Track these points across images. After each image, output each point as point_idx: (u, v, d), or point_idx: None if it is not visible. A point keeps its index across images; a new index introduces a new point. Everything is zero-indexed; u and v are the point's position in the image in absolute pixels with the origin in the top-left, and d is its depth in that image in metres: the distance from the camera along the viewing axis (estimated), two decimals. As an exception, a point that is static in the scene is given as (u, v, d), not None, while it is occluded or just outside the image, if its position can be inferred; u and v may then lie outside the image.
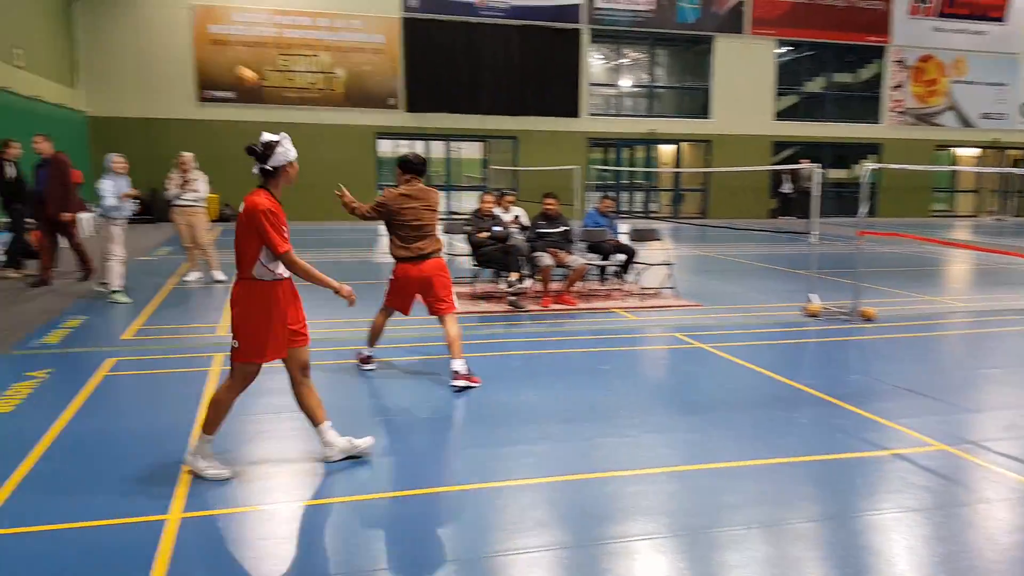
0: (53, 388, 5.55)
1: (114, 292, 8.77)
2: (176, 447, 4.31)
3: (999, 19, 26.79)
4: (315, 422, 4.20)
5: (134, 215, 9.46)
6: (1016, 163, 28.04)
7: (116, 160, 8.91)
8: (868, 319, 8.23)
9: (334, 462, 4.20)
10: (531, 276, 9.01)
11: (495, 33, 21.72)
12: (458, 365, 5.60)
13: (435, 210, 5.78)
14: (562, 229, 9.13)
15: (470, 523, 3.65)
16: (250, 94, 20.17)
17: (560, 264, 8.94)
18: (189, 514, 3.60)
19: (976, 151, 28.08)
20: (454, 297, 5.87)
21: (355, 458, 4.25)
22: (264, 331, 3.89)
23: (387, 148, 22.94)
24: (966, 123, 27.05)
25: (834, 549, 3.45)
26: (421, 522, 3.63)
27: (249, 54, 20.07)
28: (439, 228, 5.90)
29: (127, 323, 7.63)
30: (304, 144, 21.53)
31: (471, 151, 25.38)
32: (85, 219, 15.83)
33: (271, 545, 3.37)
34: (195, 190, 9.95)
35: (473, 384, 5.62)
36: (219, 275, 10.16)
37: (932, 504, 3.90)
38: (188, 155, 9.97)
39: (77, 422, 4.84)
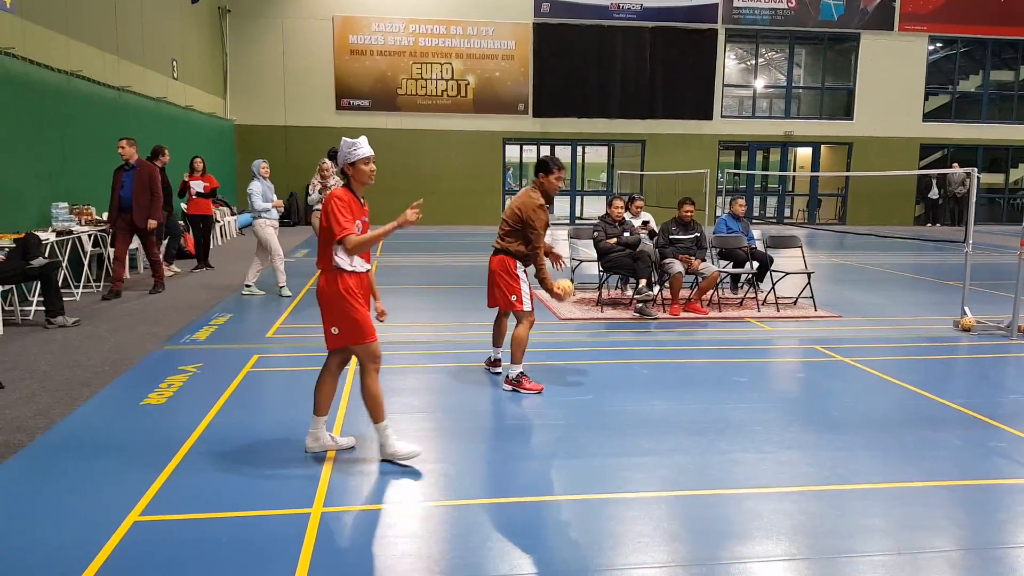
0: (203, 382, 5.93)
1: (247, 286, 9.57)
2: (319, 439, 4.52)
3: None
4: (376, 419, 4.31)
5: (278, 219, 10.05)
6: None
7: (263, 165, 9.53)
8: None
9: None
10: (660, 283, 8.87)
11: (627, 36, 21.56)
12: (511, 370, 5.72)
13: (513, 210, 5.78)
14: (694, 235, 8.94)
15: (600, 533, 3.62)
16: (385, 102, 20.95)
17: (691, 271, 8.75)
18: (330, 508, 3.77)
19: None
20: (525, 298, 5.78)
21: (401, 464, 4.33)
22: (359, 312, 4.16)
23: (513, 153, 23.26)
24: None
25: (995, 584, 3.20)
26: (549, 529, 3.65)
27: (386, 63, 20.86)
28: (523, 228, 5.74)
29: (271, 321, 8.11)
30: (432, 150, 22.56)
31: (596, 155, 25.29)
32: (231, 221, 16.97)
33: (405, 543, 3.48)
34: (334, 195, 10.44)
35: (529, 392, 5.62)
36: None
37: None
38: (328, 162, 10.48)
39: (225, 415, 5.16)
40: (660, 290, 8.88)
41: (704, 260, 8.87)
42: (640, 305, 8.47)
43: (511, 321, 6.02)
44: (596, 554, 3.38)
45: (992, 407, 5.47)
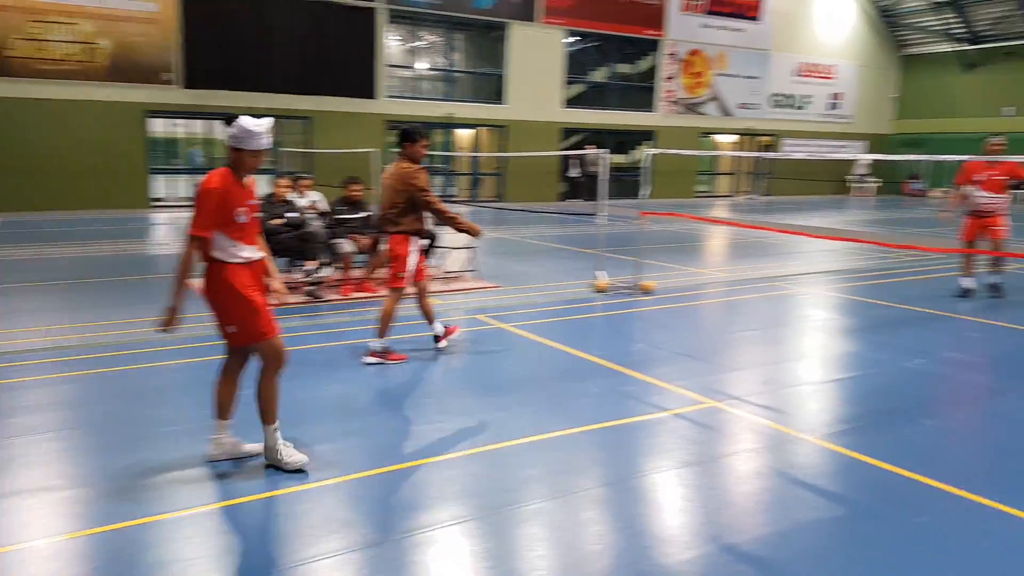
0: None
1: None
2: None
3: (755, 18, 29.79)
4: (266, 420, 4.07)
5: None
6: (766, 148, 31.47)
7: None
8: (647, 292, 8.94)
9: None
10: (330, 264, 8.82)
11: (289, 6, 20.78)
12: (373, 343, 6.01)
13: (396, 188, 5.91)
14: (363, 215, 9.00)
15: (273, 531, 3.56)
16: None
17: (362, 251, 8.82)
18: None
19: (734, 137, 31.14)
20: (408, 276, 6.04)
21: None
22: (254, 305, 3.92)
23: (160, 128, 21.26)
24: (726, 112, 29.89)
25: (622, 511, 3.76)
26: (214, 532, 3.49)
27: (-9, 19, 17.68)
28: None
29: None
30: (55, 123, 19.45)
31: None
32: None
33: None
34: None
35: (391, 362, 5.99)
36: None
37: (705, 457, 4.36)
38: None
39: None
40: (332, 272, 8.83)
41: (375, 239, 9.00)
42: (311, 288, 8.35)
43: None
44: (275, 551, 3.31)
45: (622, 356, 6.37)
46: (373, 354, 6.03)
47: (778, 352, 6.85)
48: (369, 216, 9.04)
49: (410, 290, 6.21)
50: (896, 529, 3.56)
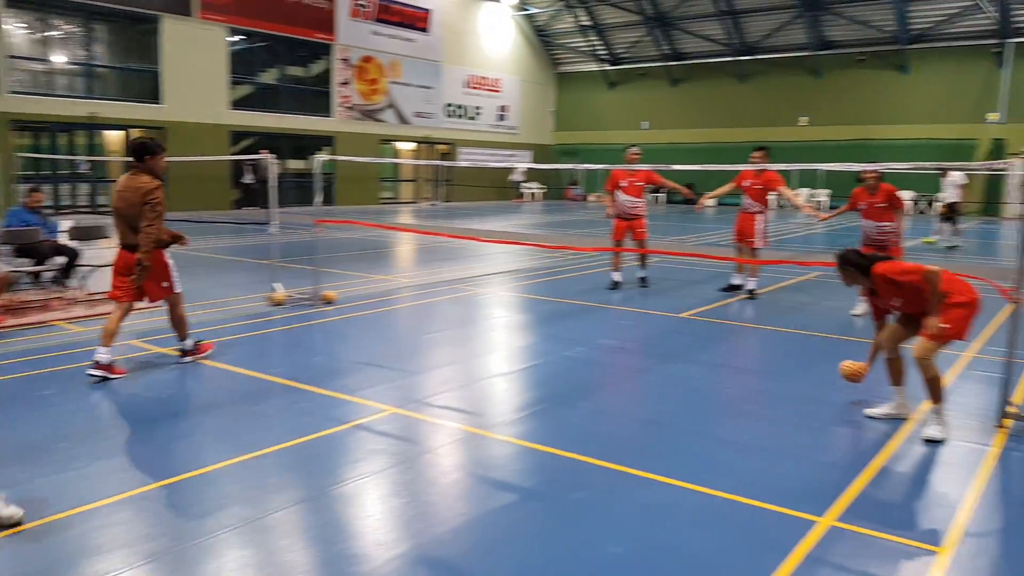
0: None
1: None
2: None
3: (424, 30, 30.81)
4: None
5: None
6: (443, 156, 32.82)
7: None
8: (329, 302, 8.71)
9: None
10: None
11: None
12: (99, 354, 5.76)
13: (134, 202, 5.80)
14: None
15: None
16: None
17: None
18: None
19: (413, 145, 32.01)
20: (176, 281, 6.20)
21: None
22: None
23: None
24: (403, 120, 30.60)
25: (316, 528, 3.53)
26: None
27: None
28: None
29: None
30: None
31: None
32: None
33: None
34: None
35: (112, 376, 5.72)
36: None
37: (391, 463, 4.28)
38: None
39: None
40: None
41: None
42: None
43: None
44: None
45: (301, 372, 6.08)
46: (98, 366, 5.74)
47: (457, 352, 7.04)
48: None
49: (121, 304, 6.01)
50: (557, 506, 3.80)
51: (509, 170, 34.56)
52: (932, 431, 4.79)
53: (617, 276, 10.44)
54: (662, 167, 8.23)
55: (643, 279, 10.63)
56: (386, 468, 4.24)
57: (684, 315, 8.67)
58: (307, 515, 3.69)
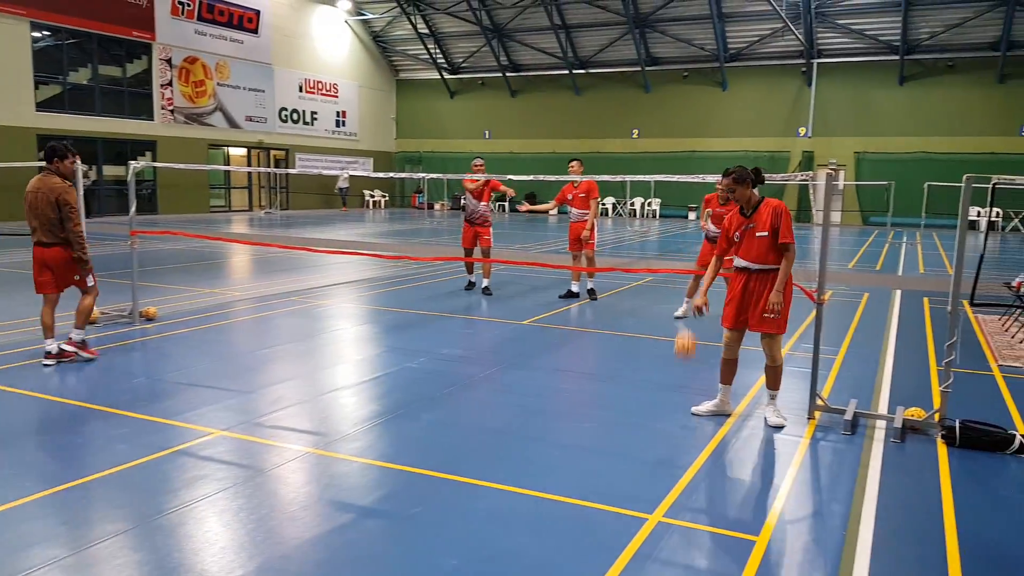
0: None
1: None
2: None
3: (253, 31, 29.59)
4: None
5: None
6: (278, 163, 31.65)
7: None
8: (149, 319, 8.10)
9: None
10: None
11: None
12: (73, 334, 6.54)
13: (49, 200, 6.39)
14: None
15: None
16: None
17: None
18: None
19: (245, 151, 30.64)
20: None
21: None
22: None
23: None
24: (233, 124, 29.21)
25: (145, 559, 3.22)
26: None
27: None
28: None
29: None
30: None
31: None
32: None
33: None
34: None
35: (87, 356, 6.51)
36: None
37: (217, 489, 4.00)
38: None
39: None
40: None
41: None
42: None
43: None
44: None
45: (115, 396, 5.61)
46: (71, 343, 6.51)
47: (293, 368, 6.75)
48: None
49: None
50: (394, 524, 3.70)
51: (353, 178, 33.85)
52: (779, 419, 5.27)
53: (474, 278, 10.86)
54: (497, 176, 8.32)
55: (486, 288, 10.74)
56: (211, 495, 3.96)
57: (526, 322, 8.80)
58: (136, 544, 3.36)
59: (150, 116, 26.01)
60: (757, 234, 5.17)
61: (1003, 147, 26.70)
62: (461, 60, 35.62)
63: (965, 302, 6.92)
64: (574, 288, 10.56)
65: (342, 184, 32.66)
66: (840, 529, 3.73)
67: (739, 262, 5.31)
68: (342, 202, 32.93)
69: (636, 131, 32.79)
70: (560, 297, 10.50)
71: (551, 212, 10.20)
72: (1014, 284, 8.52)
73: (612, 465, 4.52)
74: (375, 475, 4.31)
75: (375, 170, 35.15)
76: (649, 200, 31.58)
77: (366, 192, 35.44)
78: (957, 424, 4.93)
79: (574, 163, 10.07)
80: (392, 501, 3.97)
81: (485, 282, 10.75)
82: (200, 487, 4.06)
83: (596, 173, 11.45)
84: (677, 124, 31.86)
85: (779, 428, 5.22)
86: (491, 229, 10.73)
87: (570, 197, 10.29)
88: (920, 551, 3.54)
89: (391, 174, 9.08)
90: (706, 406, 5.47)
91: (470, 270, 11.09)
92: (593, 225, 10.15)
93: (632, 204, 31.92)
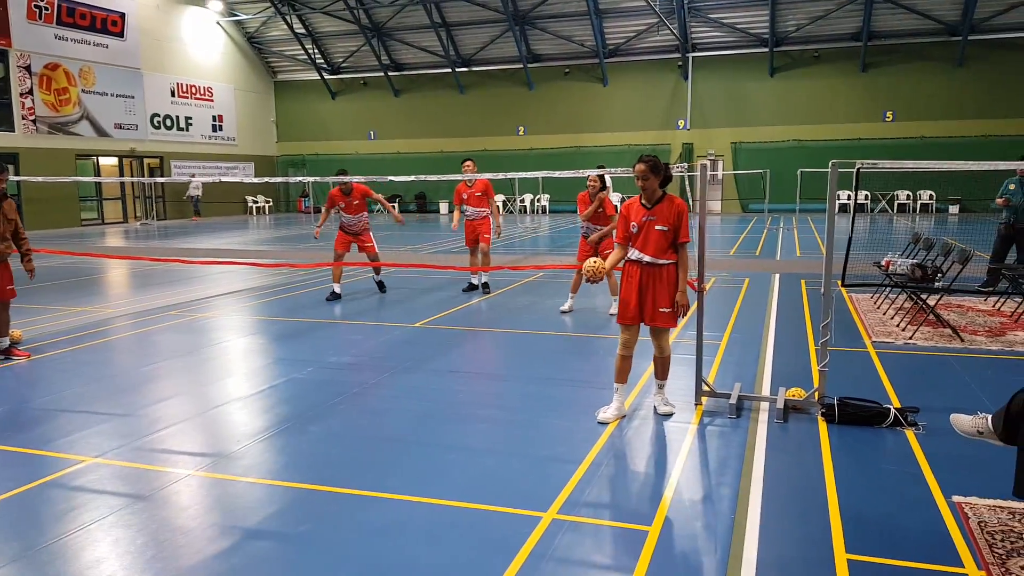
0: None
1: None
2: None
3: (119, 35, 28.01)
4: None
5: None
6: (153, 171, 30.10)
7: None
8: (14, 343, 7.53)
9: None
10: None
11: None
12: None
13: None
14: None
15: None
16: None
17: None
18: None
19: (116, 160, 28.98)
20: None
21: None
22: None
23: None
24: (102, 133, 27.59)
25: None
26: None
27: None
28: None
29: None
30: None
31: None
32: None
33: None
34: None
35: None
36: None
37: (88, 521, 3.74)
38: None
39: None
40: None
41: None
42: None
43: None
44: None
45: (-30, 431, 5.16)
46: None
47: (174, 386, 6.41)
48: None
49: None
50: (282, 543, 3.57)
51: (233, 184, 32.61)
52: (668, 407, 5.42)
53: (338, 288, 10.63)
54: (377, 179, 8.19)
55: (381, 283, 11.11)
56: (80, 528, 3.70)
57: (418, 324, 8.70)
58: (41, 560, 3.09)
59: (11, 127, 24.24)
60: (656, 227, 5.21)
61: (869, 133, 28.47)
62: (341, 60, 34.93)
63: (839, 282, 7.30)
64: (474, 281, 11.08)
65: (193, 192, 30.75)
66: (729, 513, 3.84)
67: (634, 254, 5.31)
68: (194, 211, 31.18)
69: (522, 128, 33.08)
70: (463, 291, 10.94)
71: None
72: (883, 263, 9.08)
73: (506, 465, 4.51)
74: (261, 493, 4.15)
75: (256, 175, 34.00)
76: (538, 196, 31.94)
77: (248, 198, 34.23)
78: (836, 401, 5.18)
79: (468, 163, 10.42)
80: (280, 519, 3.82)
81: (484, 278, 11.01)
82: (68, 521, 3.79)
83: (484, 171, 11.46)
84: (561, 120, 32.34)
85: (668, 416, 5.34)
86: (371, 234, 10.92)
87: (465, 196, 10.58)
88: (806, 530, 3.66)
89: (273, 179, 8.78)
90: (611, 411, 5.30)
91: (336, 277, 10.68)
92: (499, 224, 10.70)
93: (523, 201, 32.21)
